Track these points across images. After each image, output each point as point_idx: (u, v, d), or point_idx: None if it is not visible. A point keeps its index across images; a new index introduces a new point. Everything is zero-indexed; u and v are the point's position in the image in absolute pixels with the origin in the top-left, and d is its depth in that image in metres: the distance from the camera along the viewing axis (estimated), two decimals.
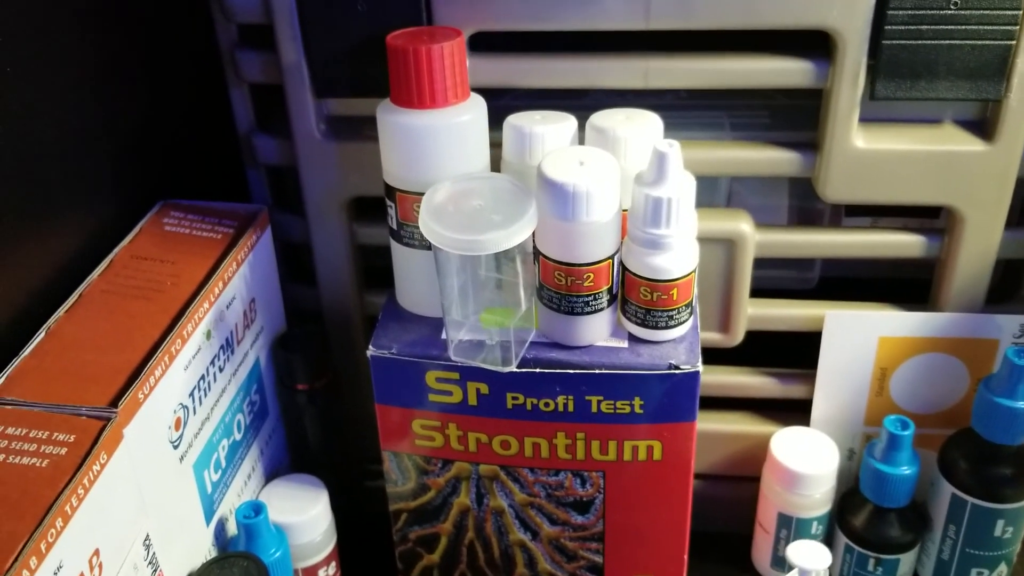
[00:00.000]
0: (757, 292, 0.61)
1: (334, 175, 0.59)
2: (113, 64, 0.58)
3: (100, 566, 0.43)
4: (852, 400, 0.64)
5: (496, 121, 0.53)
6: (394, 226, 0.54)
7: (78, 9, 0.54)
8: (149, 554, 0.47)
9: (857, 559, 0.61)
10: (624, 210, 0.51)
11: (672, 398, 0.52)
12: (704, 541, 0.63)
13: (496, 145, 0.54)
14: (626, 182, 0.50)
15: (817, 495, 0.61)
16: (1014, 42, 0.51)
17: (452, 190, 0.49)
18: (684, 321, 0.52)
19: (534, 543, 0.59)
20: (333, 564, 0.62)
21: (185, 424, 0.51)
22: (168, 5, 0.62)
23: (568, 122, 0.53)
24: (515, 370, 0.52)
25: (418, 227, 0.48)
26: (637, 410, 0.53)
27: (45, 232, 0.52)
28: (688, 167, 0.50)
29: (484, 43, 0.55)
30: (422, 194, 0.49)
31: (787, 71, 0.54)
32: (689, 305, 0.52)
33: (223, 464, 0.56)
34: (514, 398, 0.53)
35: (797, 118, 0.59)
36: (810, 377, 0.63)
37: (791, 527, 0.62)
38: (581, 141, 0.54)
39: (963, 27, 0.51)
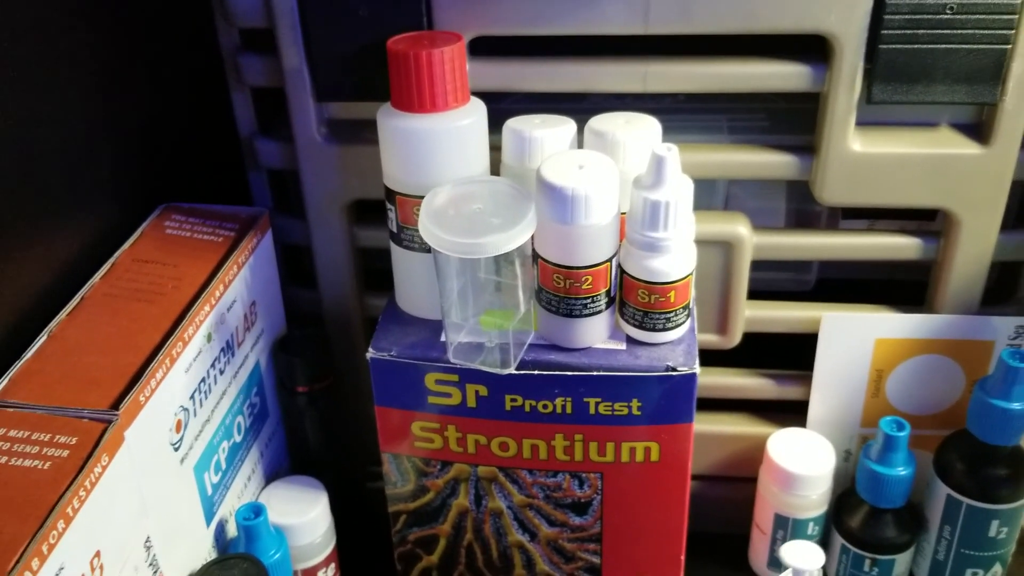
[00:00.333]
0: (754, 294, 0.62)
1: (335, 178, 0.59)
2: (115, 67, 0.58)
3: (101, 568, 0.43)
4: (848, 401, 0.64)
5: (496, 124, 0.54)
6: (394, 229, 0.54)
7: (80, 13, 0.54)
8: (150, 556, 0.48)
9: (853, 560, 0.62)
10: (623, 213, 0.52)
11: (669, 400, 0.53)
12: (701, 542, 0.63)
13: (496, 148, 0.55)
14: (625, 185, 0.51)
15: (814, 496, 0.62)
16: (1010, 46, 0.52)
17: (452, 194, 0.50)
18: (682, 323, 0.53)
19: (532, 544, 0.60)
20: (333, 566, 0.62)
21: (186, 426, 0.51)
22: (170, 9, 0.63)
23: (567, 126, 0.53)
24: (514, 372, 0.52)
25: (418, 230, 0.49)
26: (635, 412, 0.53)
27: (47, 235, 0.52)
28: (686, 170, 0.51)
29: (485, 47, 0.55)
30: (422, 197, 0.50)
31: (784, 75, 0.54)
32: (686, 307, 0.53)
33: (223, 466, 0.56)
34: (513, 400, 0.54)
35: (795, 121, 0.59)
36: (807, 379, 0.64)
37: (788, 528, 0.63)
38: (580, 144, 0.54)
39: (959, 31, 0.52)
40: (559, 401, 0.53)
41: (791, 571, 0.51)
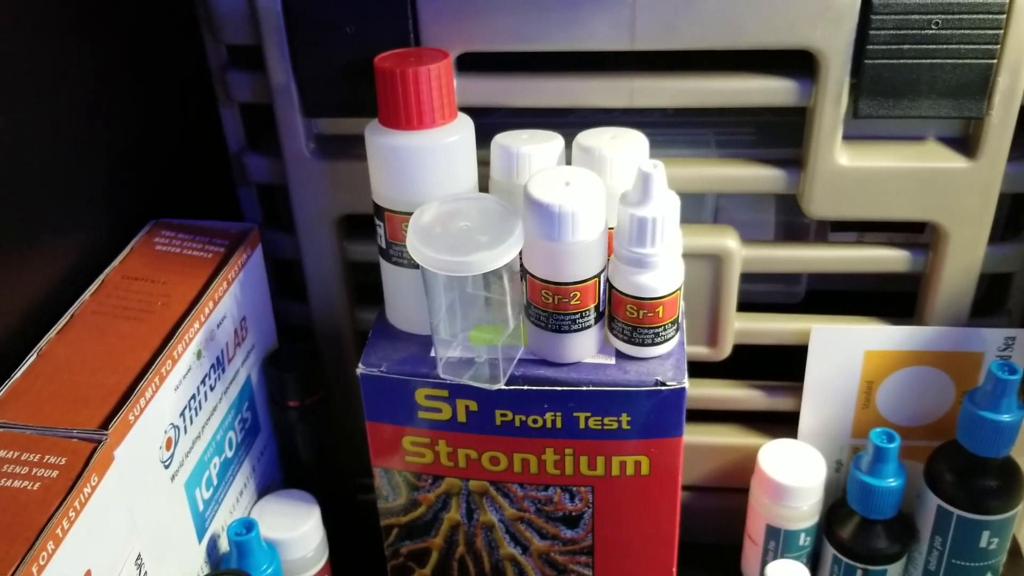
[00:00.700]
0: (744, 306, 0.62)
1: (324, 193, 0.60)
2: (104, 84, 0.58)
3: None
4: (839, 413, 0.64)
5: (485, 139, 0.54)
6: (383, 245, 0.54)
7: (69, 30, 0.54)
8: (141, 573, 0.48)
9: (845, 570, 0.62)
10: (610, 229, 0.52)
11: (659, 414, 0.53)
12: (694, 553, 0.63)
13: (485, 163, 0.55)
14: (612, 201, 0.51)
15: (805, 507, 0.62)
16: (995, 61, 0.52)
17: (439, 211, 0.50)
18: (670, 338, 0.53)
19: (524, 557, 0.60)
20: None
21: (176, 444, 0.52)
22: (159, 26, 0.63)
23: (555, 141, 0.53)
24: (503, 387, 0.53)
25: (406, 246, 0.49)
26: (624, 426, 0.53)
27: (37, 253, 0.52)
28: (674, 184, 0.51)
29: (472, 62, 0.55)
30: (410, 214, 0.50)
31: (771, 90, 0.55)
32: (675, 322, 0.53)
33: (215, 482, 0.57)
34: (503, 415, 0.54)
35: (783, 134, 0.59)
36: (797, 390, 0.64)
37: (779, 539, 0.63)
38: (568, 159, 0.54)
39: (945, 46, 0.52)
40: (549, 416, 0.54)
41: None
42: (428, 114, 0.50)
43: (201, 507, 0.55)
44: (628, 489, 0.56)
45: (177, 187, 0.66)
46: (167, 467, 0.51)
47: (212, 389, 0.56)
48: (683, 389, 0.52)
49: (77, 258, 0.55)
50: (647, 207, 0.49)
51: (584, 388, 0.52)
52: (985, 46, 0.52)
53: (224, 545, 0.58)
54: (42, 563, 0.40)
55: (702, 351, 0.63)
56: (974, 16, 0.51)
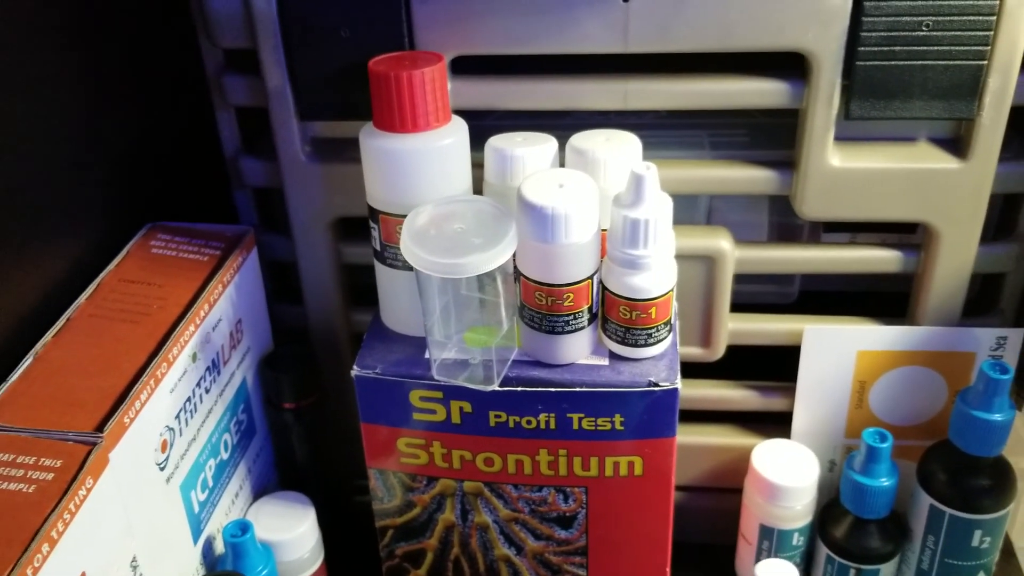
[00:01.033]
0: (738, 307, 0.62)
1: (319, 196, 0.60)
2: (101, 88, 0.58)
3: None
4: (832, 413, 0.64)
5: (479, 141, 0.54)
6: (378, 247, 0.55)
7: (66, 34, 0.55)
8: (136, 575, 0.48)
9: (838, 570, 0.62)
10: (604, 230, 0.52)
11: (652, 414, 0.53)
12: (688, 553, 0.63)
13: (479, 166, 0.55)
14: (605, 202, 0.51)
15: (798, 507, 0.62)
16: (986, 62, 0.52)
17: (433, 213, 0.50)
18: (663, 339, 0.53)
19: (519, 558, 0.60)
20: None
21: (171, 446, 0.52)
22: (155, 30, 0.63)
23: (549, 143, 0.54)
24: (497, 389, 0.53)
25: (401, 249, 0.49)
26: (618, 427, 0.54)
27: (33, 256, 0.53)
28: (667, 186, 0.51)
29: (467, 65, 0.56)
30: (405, 216, 0.50)
31: (763, 92, 0.55)
32: (668, 323, 0.53)
33: (210, 484, 0.57)
34: (497, 416, 0.54)
35: (776, 136, 0.60)
36: (790, 390, 0.64)
37: (773, 538, 0.63)
38: (562, 161, 0.55)
39: (936, 48, 0.52)
40: (543, 417, 0.54)
41: None
42: (422, 117, 0.51)
43: (197, 509, 0.55)
44: (622, 489, 0.56)
45: (173, 190, 0.66)
46: (162, 469, 0.51)
47: (208, 391, 0.56)
48: (676, 390, 0.52)
49: (73, 261, 0.55)
50: (640, 209, 0.49)
51: (578, 389, 0.53)
52: (976, 47, 0.52)
53: (220, 547, 0.58)
54: (37, 565, 0.40)
55: (696, 352, 0.63)
56: (965, 18, 0.51)
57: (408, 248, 0.48)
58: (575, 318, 0.52)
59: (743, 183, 0.58)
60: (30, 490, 0.42)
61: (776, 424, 0.66)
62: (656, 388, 0.52)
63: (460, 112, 0.54)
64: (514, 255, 0.50)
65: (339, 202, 0.60)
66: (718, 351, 0.63)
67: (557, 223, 0.48)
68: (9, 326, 0.50)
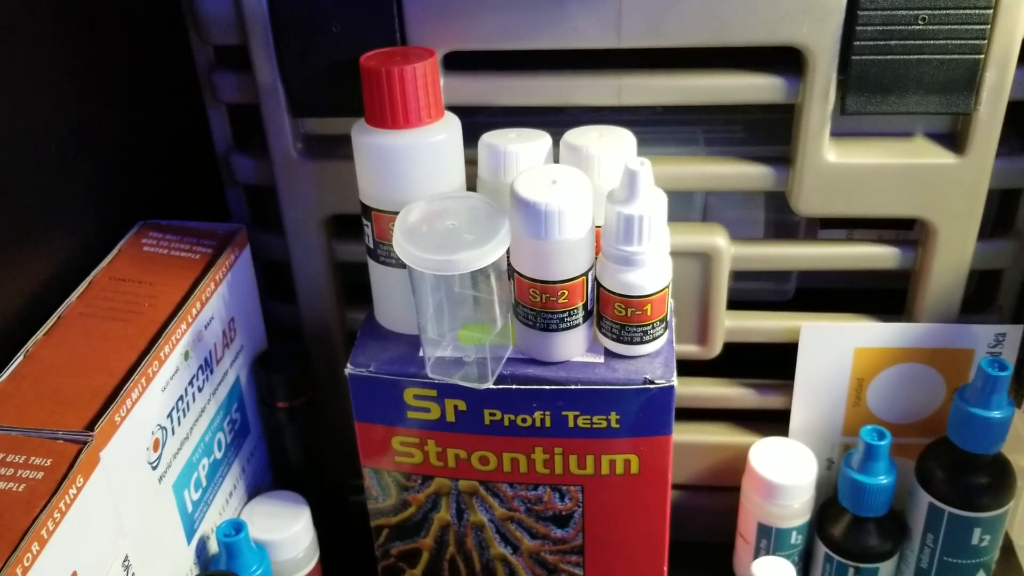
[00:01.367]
0: (734, 304, 0.62)
1: (312, 194, 0.59)
2: (91, 86, 0.58)
3: None
4: (830, 410, 0.64)
5: (473, 138, 0.54)
6: (371, 245, 0.54)
7: (56, 31, 0.54)
8: (128, 575, 0.48)
9: (837, 568, 0.62)
10: (598, 227, 0.52)
11: (648, 412, 0.53)
12: (685, 551, 0.63)
13: (472, 162, 0.55)
14: (599, 199, 0.51)
15: (796, 505, 0.62)
16: (982, 56, 0.52)
17: (426, 210, 0.50)
18: (659, 336, 0.53)
19: (515, 557, 0.60)
20: None
21: (164, 445, 0.51)
22: (145, 27, 0.63)
23: (542, 140, 0.53)
24: (492, 387, 0.52)
25: (394, 246, 0.49)
26: (614, 425, 0.53)
27: (24, 254, 0.52)
28: (662, 182, 0.51)
29: (459, 61, 0.55)
30: (397, 213, 0.50)
31: (758, 87, 0.55)
32: (663, 320, 0.53)
33: (203, 483, 0.56)
34: (491, 414, 0.54)
35: (771, 132, 0.59)
36: (788, 388, 0.64)
37: (771, 537, 0.63)
38: (556, 157, 0.54)
39: (932, 42, 0.52)
40: (538, 415, 0.53)
41: None
42: (414, 113, 0.50)
43: (190, 508, 0.55)
44: (618, 488, 0.55)
45: (165, 188, 0.65)
46: (155, 468, 0.51)
47: (200, 390, 0.56)
48: (672, 387, 0.52)
49: (64, 259, 0.55)
50: (634, 205, 0.49)
51: (573, 387, 0.52)
52: (972, 41, 0.52)
53: (213, 546, 0.58)
54: (26, 564, 0.39)
55: (692, 349, 0.63)
56: (961, 11, 0.51)
57: (401, 245, 0.48)
58: (569, 315, 0.51)
59: (739, 179, 0.58)
60: (20, 489, 0.42)
61: (773, 422, 0.66)
62: (652, 386, 0.52)
63: (453, 108, 0.54)
64: (508, 252, 0.50)
65: (332, 199, 0.59)
66: (714, 349, 0.63)
67: (551, 219, 0.48)
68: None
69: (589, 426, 0.53)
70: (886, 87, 0.53)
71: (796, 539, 0.63)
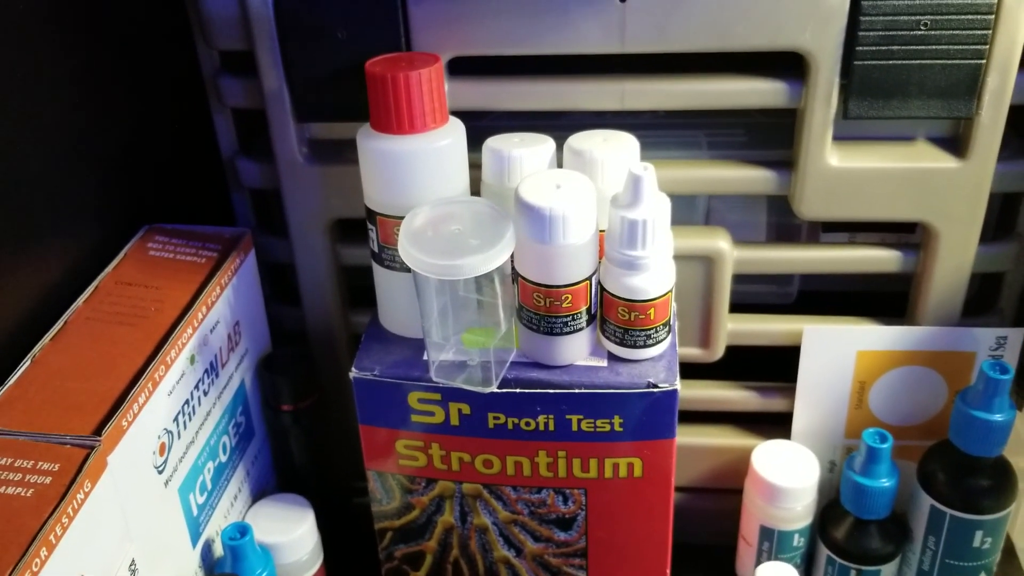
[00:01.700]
0: (737, 307, 0.62)
1: (316, 198, 0.60)
2: (97, 90, 0.58)
3: None
4: (832, 413, 0.64)
5: (477, 142, 0.54)
6: (375, 249, 0.55)
7: (61, 36, 0.54)
8: None
9: (839, 571, 0.62)
10: (602, 231, 0.52)
11: (651, 416, 0.53)
12: (688, 554, 0.63)
13: (477, 167, 0.55)
14: (603, 203, 0.51)
15: (799, 508, 0.62)
16: (984, 61, 0.52)
17: (431, 214, 0.50)
18: (662, 340, 0.53)
19: (518, 560, 0.60)
20: None
21: (170, 449, 0.52)
22: (151, 32, 0.63)
23: (546, 144, 0.54)
24: (496, 390, 0.53)
25: (398, 250, 0.49)
26: (617, 428, 0.53)
27: (30, 259, 0.52)
28: (665, 186, 0.51)
29: (464, 66, 0.55)
30: (402, 218, 0.50)
31: (761, 92, 0.55)
32: (667, 324, 0.53)
33: (209, 487, 0.57)
34: (495, 418, 0.54)
35: (774, 135, 0.59)
36: (790, 391, 0.64)
37: (773, 540, 0.63)
38: (559, 162, 0.54)
39: (933, 47, 0.52)
40: (541, 418, 0.54)
41: None
42: (419, 118, 0.51)
43: (195, 512, 0.55)
44: (621, 491, 0.56)
45: (170, 192, 0.66)
46: (161, 472, 0.51)
47: (206, 394, 0.56)
48: (675, 391, 0.52)
49: (70, 264, 0.55)
50: (637, 209, 0.49)
51: (576, 390, 0.52)
52: (974, 46, 0.52)
53: (218, 550, 0.58)
54: (35, 569, 0.40)
55: (695, 352, 0.63)
56: (963, 16, 0.51)
57: (405, 250, 0.48)
58: (573, 319, 0.52)
59: (741, 183, 0.58)
60: (28, 494, 0.42)
61: (776, 425, 0.66)
62: (655, 389, 0.52)
63: (457, 113, 0.54)
64: (512, 256, 0.50)
65: (336, 204, 0.60)
66: (717, 352, 0.63)
67: (555, 224, 0.48)
68: (6, 329, 0.50)
69: (592, 429, 0.54)
70: (888, 92, 0.53)
71: (798, 541, 0.63)
